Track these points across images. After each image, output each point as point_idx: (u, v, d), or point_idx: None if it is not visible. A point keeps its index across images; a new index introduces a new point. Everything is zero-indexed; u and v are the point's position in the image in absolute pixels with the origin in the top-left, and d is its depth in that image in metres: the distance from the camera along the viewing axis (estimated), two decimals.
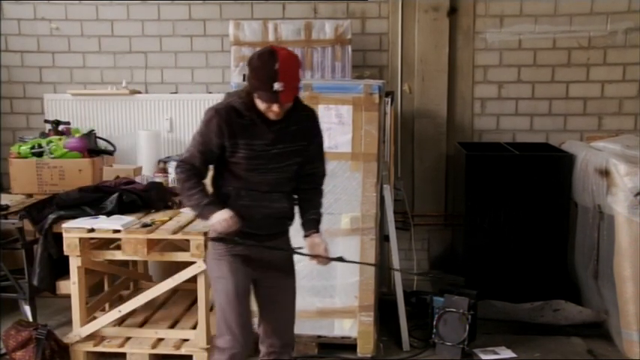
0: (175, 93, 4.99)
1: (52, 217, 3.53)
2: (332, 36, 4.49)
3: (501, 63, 4.92)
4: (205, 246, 3.28)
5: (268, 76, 2.33)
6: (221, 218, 2.45)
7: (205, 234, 3.30)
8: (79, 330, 3.45)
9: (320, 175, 2.72)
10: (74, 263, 3.39)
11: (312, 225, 2.64)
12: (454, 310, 3.68)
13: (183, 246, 3.47)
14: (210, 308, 3.56)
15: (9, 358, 3.38)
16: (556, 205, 4.26)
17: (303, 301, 3.58)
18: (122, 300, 3.91)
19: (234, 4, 4.96)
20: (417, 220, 4.89)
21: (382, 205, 3.84)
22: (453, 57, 4.89)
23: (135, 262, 4.22)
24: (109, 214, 3.55)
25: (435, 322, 3.72)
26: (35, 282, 3.59)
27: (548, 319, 4.08)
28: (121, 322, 3.69)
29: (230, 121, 2.46)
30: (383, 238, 4.02)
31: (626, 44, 4.82)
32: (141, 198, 3.71)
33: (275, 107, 2.40)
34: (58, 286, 3.66)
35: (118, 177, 4.04)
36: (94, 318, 3.58)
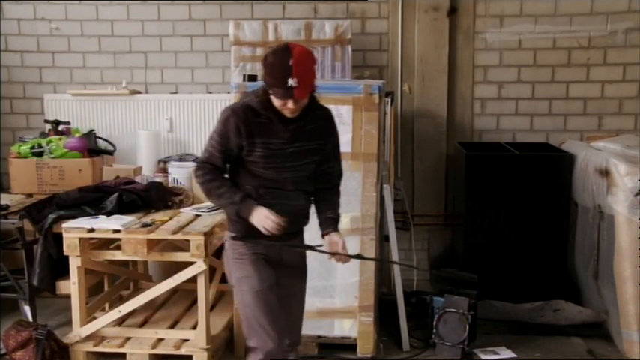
0: (175, 93, 4.99)
1: (52, 217, 3.53)
2: (332, 36, 4.49)
3: (501, 63, 4.92)
4: (205, 246, 3.28)
5: (282, 72, 2.33)
6: (263, 215, 2.44)
7: (205, 234, 3.30)
8: (79, 330, 3.45)
9: (336, 174, 2.72)
10: (74, 263, 3.38)
11: (330, 223, 2.63)
12: (454, 310, 3.68)
13: (183, 246, 3.47)
14: (210, 308, 3.56)
15: (9, 358, 3.38)
16: (556, 205, 4.26)
17: None
18: (122, 300, 3.91)
19: (234, 4, 4.96)
20: (417, 220, 4.89)
21: (382, 205, 3.84)
22: (453, 57, 4.89)
23: (135, 262, 4.22)
24: (109, 214, 3.55)
25: (435, 322, 3.72)
26: (35, 282, 3.60)
27: (548, 319, 4.08)
28: (121, 322, 3.69)
29: (247, 121, 2.47)
30: (383, 238, 4.02)
31: (626, 44, 4.82)
32: (141, 198, 3.71)
33: (290, 104, 2.40)
34: (58, 286, 3.66)
35: (118, 177, 4.04)
36: (94, 318, 3.58)
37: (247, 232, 2.53)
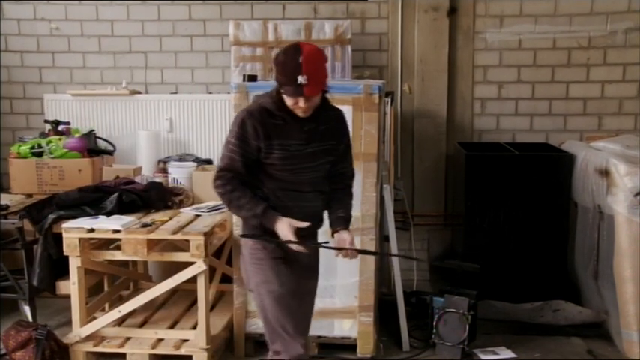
0: (175, 93, 4.99)
1: (51, 217, 3.53)
2: (332, 36, 4.49)
3: (501, 63, 4.92)
4: (205, 246, 3.29)
5: (292, 70, 2.33)
6: (288, 225, 2.42)
7: (205, 234, 3.30)
8: (78, 330, 3.45)
9: (349, 175, 2.72)
10: (74, 263, 3.39)
11: (340, 222, 2.62)
12: (454, 310, 3.68)
13: (183, 246, 3.47)
14: (210, 308, 3.56)
15: (9, 358, 3.38)
16: (556, 206, 4.26)
17: None
18: (122, 300, 3.91)
19: (234, 4, 4.96)
20: (417, 220, 4.89)
21: (382, 205, 3.84)
22: (453, 57, 4.89)
23: (135, 263, 4.22)
24: (108, 214, 3.55)
25: (434, 322, 3.72)
26: (35, 282, 3.60)
27: (548, 319, 4.08)
28: (120, 322, 3.69)
29: (263, 122, 2.46)
30: (383, 238, 4.02)
31: (625, 44, 4.82)
32: (141, 198, 3.71)
33: (301, 102, 2.39)
34: (57, 287, 3.67)
35: (117, 177, 4.04)
36: (94, 318, 3.58)
37: (262, 232, 2.51)
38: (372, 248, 3.58)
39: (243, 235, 2.57)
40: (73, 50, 5.08)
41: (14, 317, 3.77)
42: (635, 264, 3.56)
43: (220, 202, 3.79)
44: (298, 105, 2.41)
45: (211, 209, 3.74)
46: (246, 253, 2.64)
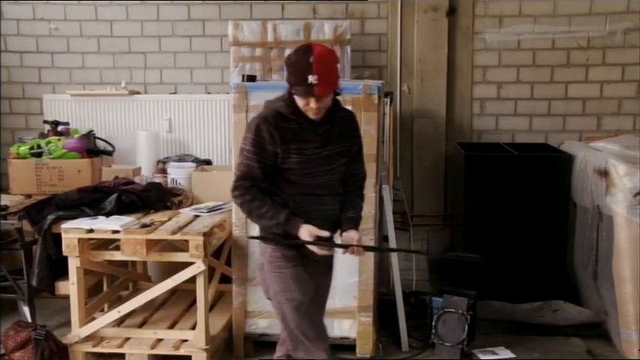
0: (174, 93, 4.99)
1: (51, 217, 3.53)
2: (331, 36, 4.49)
3: (500, 63, 4.92)
4: (204, 246, 3.28)
5: (303, 70, 2.32)
6: (309, 233, 2.41)
7: (204, 234, 3.30)
8: (78, 330, 3.45)
9: (361, 176, 2.72)
10: (73, 264, 3.38)
11: (350, 222, 2.59)
12: (453, 310, 3.68)
13: (182, 246, 3.47)
14: (209, 309, 3.56)
15: (8, 359, 3.38)
16: (555, 206, 4.26)
17: None
18: (121, 300, 3.90)
19: (234, 5, 4.96)
20: (416, 220, 4.90)
21: (381, 206, 3.84)
22: (452, 57, 4.89)
23: (134, 263, 4.21)
24: (108, 214, 3.55)
25: (434, 323, 3.72)
26: (34, 282, 3.60)
27: (547, 319, 4.08)
28: (120, 322, 3.68)
29: (279, 127, 2.44)
30: (382, 239, 4.01)
31: (625, 44, 4.83)
32: (140, 198, 3.71)
33: (312, 103, 2.38)
34: (57, 287, 3.66)
35: (117, 177, 4.04)
36: (93, 318, 3.57)
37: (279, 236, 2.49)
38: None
39: (254, 237, 2.55)
40: (72, 50, 5.08)
41: (13, 318, 3.77)
42: (635, 264, 3.56)
43: (220, 203, 3.83)
44: (310, 106, 2.40)
45: (210, 209, 3.74)
46: (266, 262, 2.61)
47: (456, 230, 4.77)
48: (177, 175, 4.19)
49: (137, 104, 4.83)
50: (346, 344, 3.63)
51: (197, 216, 3.66)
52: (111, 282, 4.11)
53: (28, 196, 4.17)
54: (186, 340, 3.50)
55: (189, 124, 4.81)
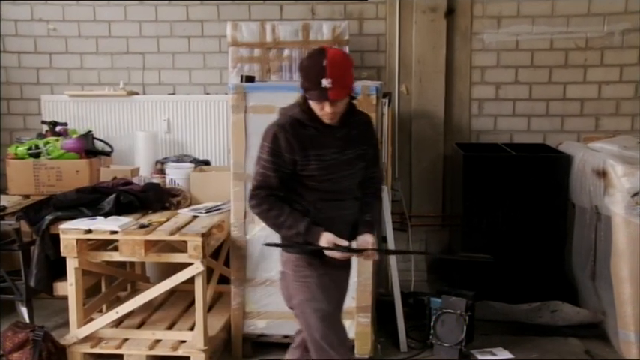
0: (173, 94, 4.99)
1: (49, 218, 3.53)
2: (330, 37, 4.49)
3: (499, 64, 4.93)
4: (203, 247, 3.28)
5: (316, 73, 2.30)
6: (327, 242, 2.38)
7: (203, 235, 3.29)
8: (76, 331, 3.44)
9: (378, 179, 2.69)
10: (71, 264, 3.38)
11: (365, 225, 2.56)
12: (452, 310, 3.68)
13: (180, 247, 3.47)
14: (207, 309, 3.56)
15: None
16: (553, 206, 4.26)
17: None
18: (119, 301, 3.89)
19: (232, 5, 4.96)
20: (415, 221, 4.90)
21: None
22: (451, 58, 4.90)
23: (132, 264, 4.20)
24: (106, 215, 3.54)
25: (432, 323, 3.72)
26: (32, 283, 3.59)
27: (545, 319, 4.08)
28: (118, 323, 3.68)
29: (296, 134, 2.40)
30: (381, 239, 4.01)
31: (623, 45, 4.83)
32: (138, 199, 3.70)
33: (327, 107, 2.35)
34: (55, 288, 3.66)
35: (115, 178, 4.03)
36: (92, 319, 3.57)
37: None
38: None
39: (271, 244, 2.52)
40: (70, 51, 5.08)
41: (11, 319, 3.76)
42: (633, 264, 3.56)
43: (218, 203, 3.83)
44: (324, 111, 2.36)
45: (209, 210, 3.74)
46: (289, 270, 2.56)
47: (454, 231, 4.77)
48: (176, 175, 4.19)
49: (135, 105, 4.83)
50: None
51: (195, 217, 3.66)
52: (109, 283, 4.10)
53: (27, 196, 4.16)
54: (184, 341, 3.49)
55: (187, 124, 4.81)
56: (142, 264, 4.31)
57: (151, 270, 4.42)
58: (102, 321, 3.51)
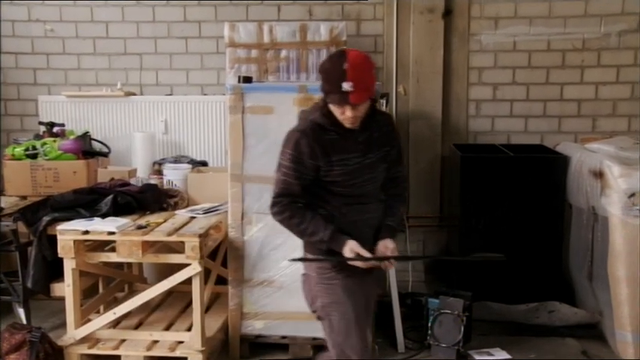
0: (170, 95, 4.98)
1: (46, 219, 3.52)
2: (327, 38, 4.49)
3: (496, 65, 4.93)
4: (200, 248, 3.28)
5: (337, 77, 2.26)
6: (353, 251, 2.34)
7: (200, 236, 3.29)
8: (73, 332, 3.44)
9: (402, 178, 2.65)
10: (69, 265, 3.37)
11: (387, 230, 2.52)
12: (449, 311, 3.68)
13: (178, 248, 3.47)
14: (205, 310, 3.55)
15: None
16: (551, 207, 4.27)
17: (299, 303, 3.56)
18: (117, 302, 3.89)
19: (230, 6, 4.95)
20: (413, 221, 4.90)
21: None
22: (448, 59, 4.90)
23: (130, 264, 4.20)
24: (103, 216, 3.54)
25: (430, 324, 3.72)
26: (29, 284, 3.58)
27: (543, 320, 4.08)
28: (115, 324, 3.68)
29: (319, 139, 2.36)
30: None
31: (619, 46, 4.84)
32: (136, 200, 3.70)
33: (348, 111, 2.30)
34: (52, 289, 3.65)
35: (112, 179, 4.03)
36: (89, 320, 3.57)
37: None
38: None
39: (296, 260, 2.49)
40: (67, 52, 5.07)
41: (8, 320, 3.75)
42: (630, 265, 3.56)
43: (215, 204, 3.83)
44: (345, 115, 2.32)
45: (206, 211, 3.74)
46: (314, 272, 2.52)
47: (452, 231, 4.78)
48: (173, 176, 4.19)
49: (133, 105, 4.82)
50: None
51: (193, 217, 3.66)
52: (106, 283, 4.10)
53: (24, 197, 4.16)
54: (182, 342, 3.49)
55: (185, 125, 4.80)
56: (140, 265, 4.31)
57: (148, 271, 4.41)
58: (99, 322, 3.51)
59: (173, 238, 3.34)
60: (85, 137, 4.52)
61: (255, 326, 3.65)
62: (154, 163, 4.53)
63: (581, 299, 4.17)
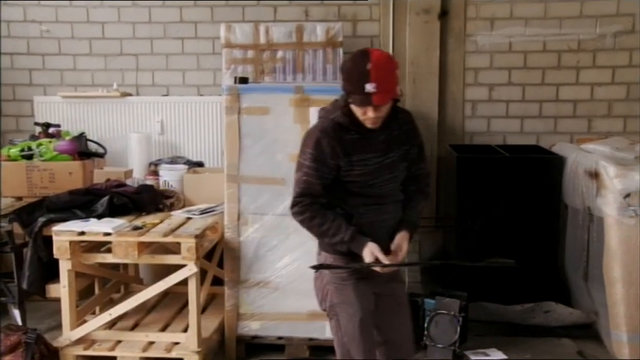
0: (166, 95, 4.98)
1: (42, 220, 3.51)
2: (323, 38, 4.49)
3: (492, 65, 4.94)
4: (197, 248, 3.27)
5: (360, 77, 2.23)
6: (372, 255, 2.32)
7: (197, 237, 3.29)
8: (69, 334, 3.43)
9: (425, 175, 2.61)
10: (64, 266, 3.37)
11: (405, 224, 2.48)
12: (445, 312, 3.69)
13: (174, 249, 3.46)
14: (201, 311, 3.55)
15: None
16: (546, 207, 4.28)
17: (295, 304, 3.60)
18: (113, 303, 3.89)
19: (226, 7, 4.95)
20: None
21: None
22: (444, 59, 4.91)
23: (125, 265, 4.20)
24: (99, 217, 3.53)
25: (426, 324, 3.72)
26: (25, 285, 3.57)
27: (539, 320, 4.09)
28: (111, 325, 3.67)
29: (340, 139, 2.34)
30: None
31: (615, 47, 4.85)
32: (132, 201, 3.70)
33: (370, 112, 2.27)
34: (47, 290, 3.64)
35: (108, 180, 4.02)
36: (85, 321, 3.56)
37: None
38: None
39: (316, 267, 2.47)
40: (63, 52, 5.06)
41: (3, 321, 3.74)
42: (625, 265, 3.58)
43: (212, 205, 3.82)
44: (367, 115, 2.29)
45: (202, 212, 3.74)
46: (326, 271, 2.50)
47: (448, 232, 4.78)
48: (169, 177, 4.18)
49: (129, 106, 4.81)
50: None
51: (189, 218, 3.66)
52: (102, 285, 4.09)
53: (19, 198, 4.14)
54: (178, 343, 3.49)
55: (181, 126, 4.80)
56: (136, 266, 4.30)
57: (144, 272, 4.41)
58: (95, 323, 3.50)
59: (169, 239, 3.33)
60: (81, 138, 4.51)
61: (251, 327, 3.65)
62: (150, 164, 4.53)
63: (577, 299, 4.18)
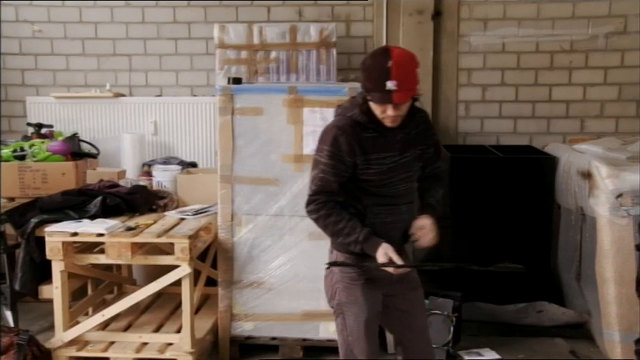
0: (160, 96, 4.97)
1: (34, 221, 3.50)
2: (317, 39, 4.50)
3: (485, 66, 4.96)
4: (190, 249, 3.27)
5: (380, 75, 2.20)
6: (386, 256, 2.30)
7: (190, 237, 3.28)
8: (61, 335, 3.42)
9: (442, 173, 2.62)
10: (57, 267, 3.35)
11: (426, 208, 2.48)
12: (439, 312, 3.69)
13: (167, 249, 3.45)
14: (194, 312, 3.54)
15: None
16: (539, 207, 4.29)
17: (289, 305, 3.60)
18: (106, 304, 3.87)
19: (219, 7, 4.95)
20: None
21: None
22: (438, 60, 4.92)
23: (119, 266, 4.18)
24: (92, 217, 3.52)
25: None
26: (17, 286, 3.55)
27: (532, 320, 4.11)
28: (104, 326, 3.65)
29: (358, 137, 2.32)
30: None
31: (607, 48, 4.88)
32: (125, 201, 3.68)
33: (389, 110, 2.25)
34: (40, 291, 3.63)
35: (101, 180, 4.01)
36: (77, 322, 3.54)
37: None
38: None
39: (330, 264, 2.46)
40: (56, 53, 5.04)
41: None
42: (617, 265, 3.59)
43: (205, 206, 3.82)
44: (386, 114, 2.26)
45: (196, 212, 3.73)
46: (337, 269, 2.49)
47: (442, 232, 4.77)
48: (163, 177, 4.17)
49: (122, 107, 4.80)
50: (332, 347, 3.60)
51: (183, 219, 3.65)
52: (95, 285, 4.08)
53: (11, 199, 4.12)
54: (171, 344, 3.48)
55: (174, 126, 4.79)
56: (129, 267, 4.29)
57: (137, 272, 4.39)
58: (88, 324, 3.48)
59: (162, 240, 3.32)
60: (74, 138, 4.50)
61: (245, 328, 3.65)
62: (144, 165, 4.52)
63: (570, 299, 4.20)
